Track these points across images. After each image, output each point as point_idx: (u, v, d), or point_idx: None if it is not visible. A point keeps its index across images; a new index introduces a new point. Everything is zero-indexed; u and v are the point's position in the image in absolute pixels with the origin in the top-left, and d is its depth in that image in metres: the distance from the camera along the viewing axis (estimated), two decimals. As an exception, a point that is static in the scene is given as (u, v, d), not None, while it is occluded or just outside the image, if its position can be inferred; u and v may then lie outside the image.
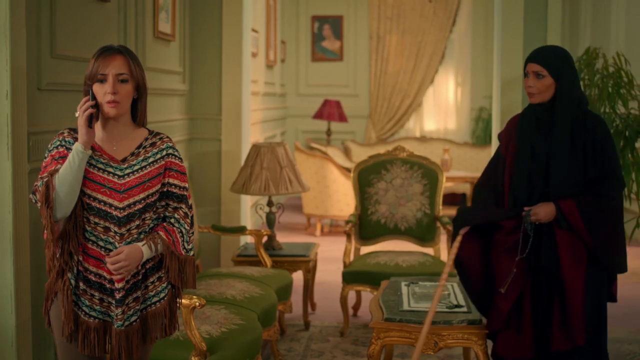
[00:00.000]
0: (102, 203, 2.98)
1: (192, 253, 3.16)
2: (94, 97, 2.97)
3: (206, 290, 4.60)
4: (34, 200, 2.95)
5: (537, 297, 3.84)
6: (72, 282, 3.01)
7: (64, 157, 2.97)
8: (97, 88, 3.00)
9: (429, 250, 6.36)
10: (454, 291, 4.51)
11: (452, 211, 10.48)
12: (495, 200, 3.98)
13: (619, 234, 3.83)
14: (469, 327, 4.07)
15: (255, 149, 5.85)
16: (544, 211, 3.77)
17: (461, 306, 4.24)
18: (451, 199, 11.22)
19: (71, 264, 3.00)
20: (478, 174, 10.63)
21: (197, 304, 3.69)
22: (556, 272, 3.78)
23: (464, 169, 11.40)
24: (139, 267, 3.05)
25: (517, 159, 3.90)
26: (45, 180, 2.90)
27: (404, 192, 6.12)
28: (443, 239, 6.30)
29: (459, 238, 3.97)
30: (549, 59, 3.80)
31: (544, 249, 3.82)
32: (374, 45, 12.21)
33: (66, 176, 2.90)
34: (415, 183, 6.14)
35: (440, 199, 6.14)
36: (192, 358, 3.74)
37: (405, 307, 4.25)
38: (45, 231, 2.96)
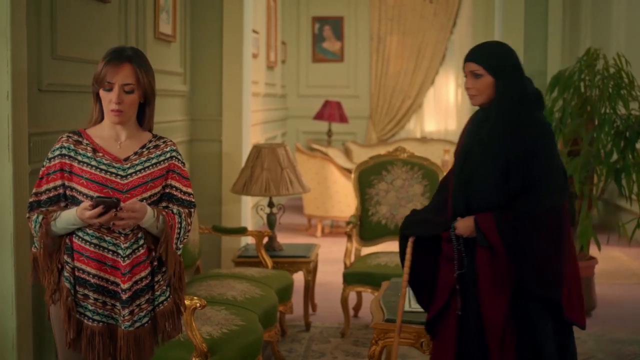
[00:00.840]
0: None
1: (179, 253, 3.15)
2: (109, 206, 2.91)
3: (207, 291, 4.60)
4: (32, 227, 3.03)
5: (464, 314, 3.48)
6: (72, 290, 3.01)
7: (58, 172, 3.01)
8: (103, 94, 3.03)
9: (430, 251, 6.34)
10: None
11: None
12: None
13: (549, 256, 3.34)
14: (470, 328, 4.06)
15: (256, 150, 5.85)
16: (463, 225, 3.42)
17: (462, 307, 4.23)
18: (452, 199, 11.21)
19: (67, 271, 3.01)
20: (479, 175, 10.68)
21: (198, 304, 3.69)
22: (476, 293, 3.42)
23: (465, 169, 11.38)
24: (148, 268, 3.05)
25: (454, 164, 3.59)
26: (40, 229, 2.98)
27: (405, 193, 6.12)
28: (444, 239, 6.29)
29: (409, 245, 3.67)
30: (485, 56, 3.47)
31: (466, 266, 3.45)
32: (375, 46, 12.22)
33: (62, 229, 2.99)
34: (416, 184, 6.13)
35: (441, 200, 6.13)
36: (193, 359, 3.73)
37: (407, 308, 4.25)
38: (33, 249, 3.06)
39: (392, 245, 6.51)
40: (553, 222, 3.36)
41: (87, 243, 2.99)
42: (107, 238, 3.00)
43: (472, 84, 3.47)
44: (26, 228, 3.52)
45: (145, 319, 3.05)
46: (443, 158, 10.60)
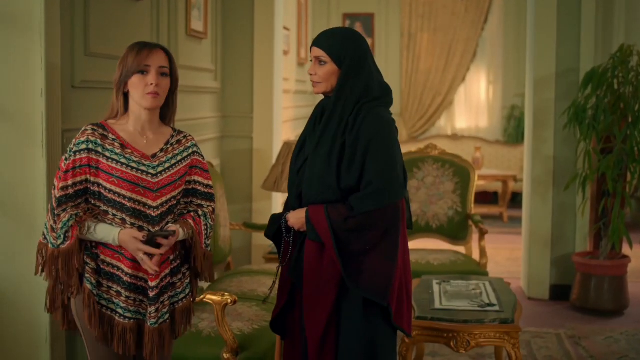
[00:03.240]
0: (137, 203, 3.00)
1: (209, 249, 3.23)
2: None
3: (238, 287, 4.61)
4: (57, 225, 2.97)
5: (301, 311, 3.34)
6: (94, 291, 3.00)
7: (85, 166, 2.98)
8: (136, 79, 3.03)
9: (461, 249, 6.34)
10: (485, 290, 4.49)
11: (484, 209, 10.51)
12: None
13: (377, 258, 3.15)
14: (501, 326, 4.05)
15: (287, 146, 5.85)
16: (294, 216, 3.26)
17: (493, 305, 4.22)
18: (483, 197, 11.19)
19: (88, 272, 3.01)
20: (510, 172, 10.67)
21: (229, 301, 3.70)
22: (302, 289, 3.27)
23: (496, 167, 11.35)
24: (169, 266, 3.09)
25: (293, 151, 3.40)
26: (68, 235, 2.94)
27: (436, 190, 6.10)
28: (475, 237, 6.28)
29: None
30: (332, 43, 3.22)
31: (292, 260, 3.32)
32: (406, 43, 12.18)
33: (94, 240, 2.99)
34: (447, 181, 6.11)
35: (472, 197, 6.11)
36: (224, 355, 3.75)
37: (437, 305, 4.24)
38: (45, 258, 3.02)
39: (423, 243, 6.51)
40: (386, 222, 3.16)
41: None
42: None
43: (315, 70, 3.25)
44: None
45: (167, 316, 3.09)
46: (474, 155, 10.56)
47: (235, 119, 6.62)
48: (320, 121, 3.30)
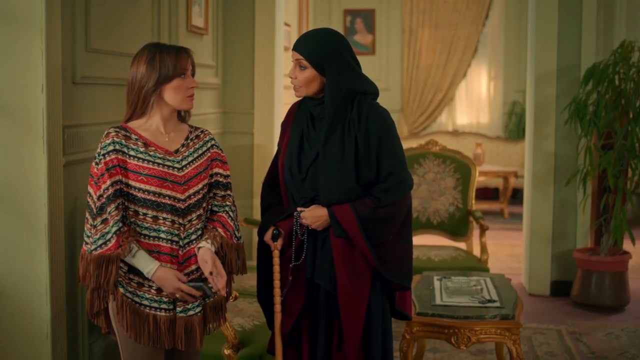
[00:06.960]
0: (167, 197, 3.04)
1: (241, 241, 3.26)
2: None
3: (238, 283, 4.61)
4: (96, 230, 2.99)
5: (317, 314, 3.36)
6: (125, 294, 3.04)
7: (117, 167, 3.00)
8: (178, 83, 3.08)
9: (462, 245, 6.34)
10: (486, 286, 4.49)
11: (485, 205, 10.51)
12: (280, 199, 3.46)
13: (401, 245, 3.30)
14: (502, 322, 4.05)
15: (288, 142, 5.85)
16: (311, 215, 3.26)
17: (494, 301, 4.22)
18: (484, 193, 11.19)
19: (121, 275, 3.02)
20: (511, 168, 10.66)
21: (230, 296, 3.70)
22: (333, 291, 3.29)
23: (497, 163, 11.35)
24: (196, 262, 3.13)
25: (286, 155, 3.37)
26: (110, 251, 2.95)
27: (437, 186, 6.10)
28: (476, 233, 6.28)
29: (276, 253, 3.36)
30: (310, 47, 3.23)
31: (317, 263, 3.31)
32: (407, 39, 12.16)
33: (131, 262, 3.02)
34: (448, 177, 6.11)
35: (473, 193, 6.11)
36: (225, 350, 3.75)
37: (438, 301, 4.24)
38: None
39: (424, 239, 6.52)
40: (406, 209, 3.30)
41: (159, 239, 3.05)
42: (172, 230, 3.05)
43: (295, 74, 3.28)
44: (60, 219, 3.56)
45: (198, 309, 3.11)
46: (475, 151, 10.56)
47: (236, 115, 6.62)
48: (312, 123, 3.33)
